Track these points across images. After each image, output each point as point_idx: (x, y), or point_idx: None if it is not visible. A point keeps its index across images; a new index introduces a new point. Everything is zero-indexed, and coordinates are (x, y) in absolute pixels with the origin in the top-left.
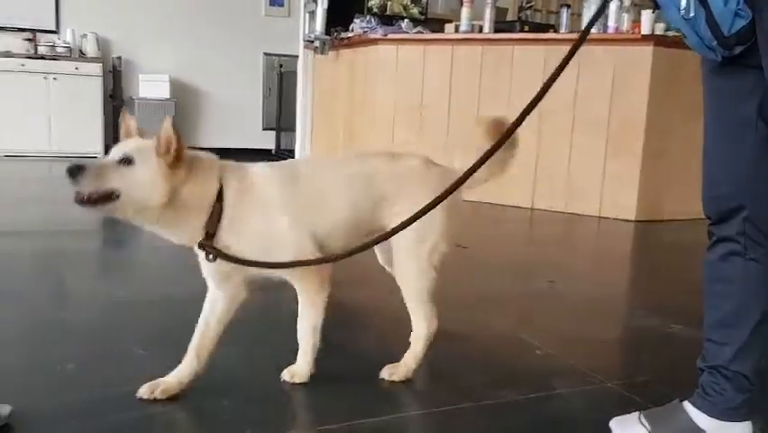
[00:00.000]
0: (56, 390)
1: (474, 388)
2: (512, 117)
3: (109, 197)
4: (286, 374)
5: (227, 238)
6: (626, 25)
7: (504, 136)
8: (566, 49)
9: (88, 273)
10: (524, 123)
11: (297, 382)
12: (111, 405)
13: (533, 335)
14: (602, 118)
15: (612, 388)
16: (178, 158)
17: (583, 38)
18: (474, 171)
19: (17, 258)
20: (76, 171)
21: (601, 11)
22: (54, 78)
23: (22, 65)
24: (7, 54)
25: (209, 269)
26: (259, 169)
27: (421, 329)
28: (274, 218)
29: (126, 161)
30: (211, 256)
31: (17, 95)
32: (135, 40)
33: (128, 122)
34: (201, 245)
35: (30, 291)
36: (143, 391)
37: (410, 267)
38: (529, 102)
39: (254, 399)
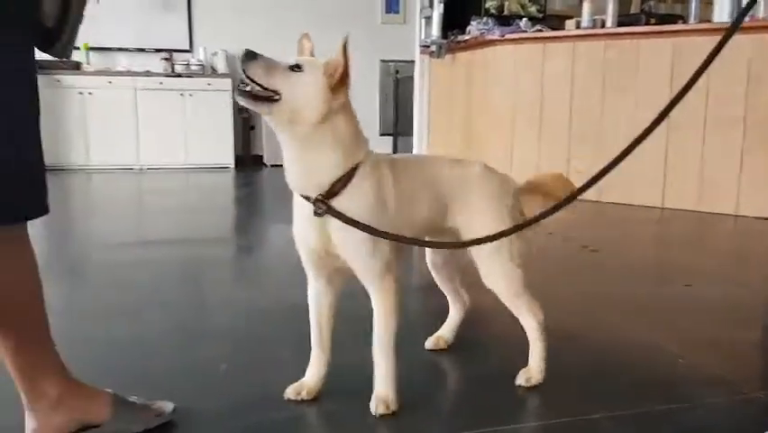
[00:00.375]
0: (210, 391)
1: (609, 396)
2: (641, 114)
3: (271, 97)
4: None
5: (344, 204)
6: (762, 12)
7: (633, 144)
8: (697, 40)
9: (227, 280)
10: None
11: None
12: (262, 406)
13: (670, 340)
14: (738, 111)
15: (760, 398)
16: (341, 83)
17: (733, 30)
18: (579, 195)
19: (163, 265)
20: (251, 55)
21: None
22: (189, 95)
23: (161, 83)
24: (147, 73)
25: (308, 254)
26: (383, 155)
27: (530, 322)
28: (386, 202)
29: (296, 67)
30: (320, 211)
31: (157, 111)
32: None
33: (303, 41)
34: (317, 200)
35: (176, 297)
36: (290, 393)
37: (497, 271)
38: (671, 100)
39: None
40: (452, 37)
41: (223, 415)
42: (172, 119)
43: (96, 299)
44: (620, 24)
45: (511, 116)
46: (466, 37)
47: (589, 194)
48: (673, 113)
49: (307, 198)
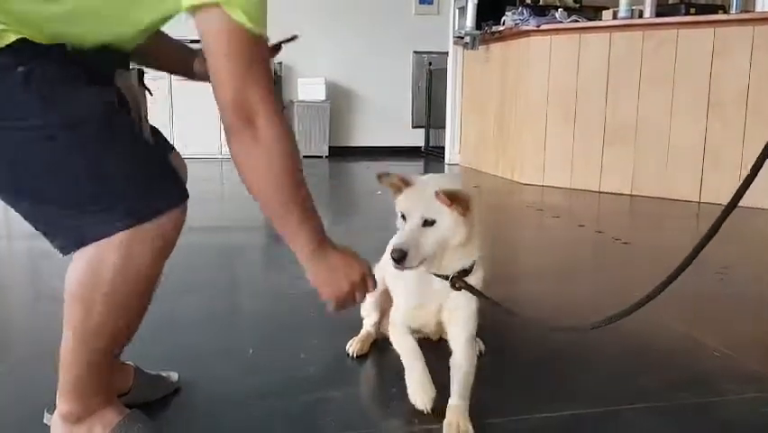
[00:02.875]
0: (238, 373)
1: (649, 388)
2: (678, 107)
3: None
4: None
5: (471, 281)
6: None
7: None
8: (739, 30)
9: (258, 266)
10: (688, 114)
11: None
12: (288, 389)
13: (708, 335)
14: None
15: None
16: (468, 208)
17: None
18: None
19: (199, 252)
20: (402, 258)
21: None
22: None
23: None
24: None
25: (420, 318)
26: None
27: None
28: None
29: (429, 222)
30: (458, 285)
31: (192, 103)
32: (294, 46)
33: (395, 181)
34: (456, 277)
35: (209, 282)
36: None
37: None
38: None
39: None
40: (487, 28)
41: (250, 396)
42: (206, 111)
43: None
44: (659, 14)
45: (545, 109)
46: (501, 28)
47: (622, 187)
48: (712, 107)
49: (445, 277)
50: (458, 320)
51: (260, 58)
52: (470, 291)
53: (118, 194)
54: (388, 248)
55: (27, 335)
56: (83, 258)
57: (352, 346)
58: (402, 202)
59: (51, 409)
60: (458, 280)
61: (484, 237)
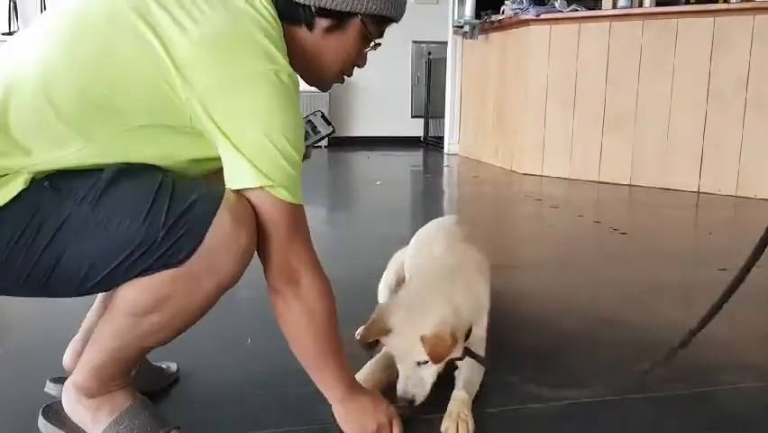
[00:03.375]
0: (240, 361)
1: (647, 378)
2: (678, 97)
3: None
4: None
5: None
6: None
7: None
8: (739, 20)
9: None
10: (688, 104)
11: None
12: (290, 377)
13: (707, 326)
14: None
15: None
16: (453, 347)
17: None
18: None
19: None
20: (412, 402)
21: None
22: None
23: None
24: None
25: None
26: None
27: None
28: None
29: (423, 361)
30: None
31: None
32: None
33: (376, 334)
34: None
35: None
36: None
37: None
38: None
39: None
40: (486, 17)
41: (248, 385)
42: None
43: None
44: (658, 4)
45: (544, 99)
46: (500, 17)
47: (621, 178)
48: (711, 97)
49: None
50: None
51: (301, 222)
52: (475, 359)
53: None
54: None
55: (28, 320)
56: (141, 283)
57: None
58: (392, 349)
59: (54, 379)
60: (472, 354)
61: (480, 290)
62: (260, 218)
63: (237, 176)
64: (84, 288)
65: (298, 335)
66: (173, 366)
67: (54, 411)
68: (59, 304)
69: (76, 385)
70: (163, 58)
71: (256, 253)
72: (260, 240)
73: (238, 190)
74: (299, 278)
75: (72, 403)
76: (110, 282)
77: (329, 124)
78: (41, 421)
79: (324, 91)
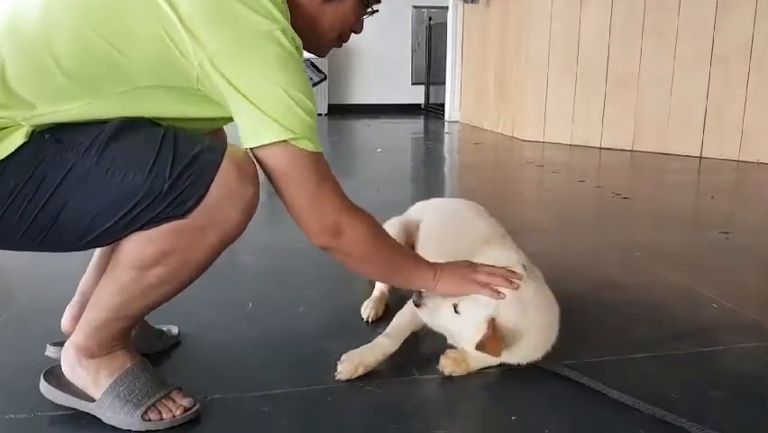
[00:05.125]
0: (241, 325)
1: (648, 339)
2: (679, 58)
3: None
4: None
5: None
6: None
7: None
8: None
9: (257, 221)
10: (693, 66)
11: None
12: (291, 340)
13: (708, 287)
14: None
15: None
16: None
17: None
18: None
19: None
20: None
21: None
22: None
23: None
24: None
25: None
26: None
27: None
28: None
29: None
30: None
31: None
32: None
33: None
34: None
35: None
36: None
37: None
38: None
39: (421, 341)
40: None
41: (249, 348)
42: None
43: None
44: None
45: (546, 64)
46: None
47: (623, 143)
48: (716, 61)
49: None
50: None
51: (326, 170)
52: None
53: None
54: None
55: (27, 285)
56: (144, 236)
57: (367, 311)
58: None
59: (54, 343)
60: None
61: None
62: (285, 176)
63: (259, 133)
64: (83, 241)
65: (369, 269)
66: (174, 329)
67: (55, 375)
68: (57, 268)
69: (76, 346)
70: (170, 16)
71: (290, 216)
72: (290, 199)
73: (255, 148)
74: (341, 229)
75: (72, 365)
76: (112, 235)
77: (320, 71)
78: (43, 385)
79: (321, 57)
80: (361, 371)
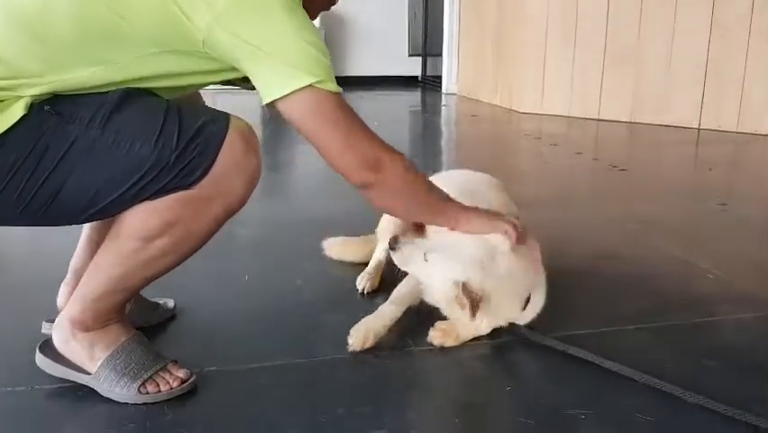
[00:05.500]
0: (237, 298)
1: (643, 310)
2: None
3: None
4: None
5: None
6: None
7: None
8: None
9: (255, 195)
10: (690, 36)
11: None
12: (287, 312)
13: (704, 258)
14: None
15: None
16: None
17: None
18: None
19: None
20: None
21: None
22: None
23: None
24: None
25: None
26: None
27: None
28: None
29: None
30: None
31: None
32: None
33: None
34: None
35: None
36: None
37: None
38: None
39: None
40: None
41: (245, 321)
42: None
43: None
44: None
45: (544, 35)
46: None
47: (621, 115)
48: (715, 29)
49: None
50: None
51: (351, 109)
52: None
53: None
54: None
55: (22, 265)
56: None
57: (363, 282)
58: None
59: (50, 320)
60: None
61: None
62: (316, 120)
63: (283, 82)
64: (86, 214)
65: (410, 206)
66: (170, 302)
67: (51, 348)
68: (50, 244)
69: (71, 319)
70: None
71: (326, 164)
72: (325, 142)
73: (279, 99)
74: (380, 161)
75: (65, 339)
76: (116, 207)
77: None
78: (39, 357)
79: (311, 20)
80: (371, 339)
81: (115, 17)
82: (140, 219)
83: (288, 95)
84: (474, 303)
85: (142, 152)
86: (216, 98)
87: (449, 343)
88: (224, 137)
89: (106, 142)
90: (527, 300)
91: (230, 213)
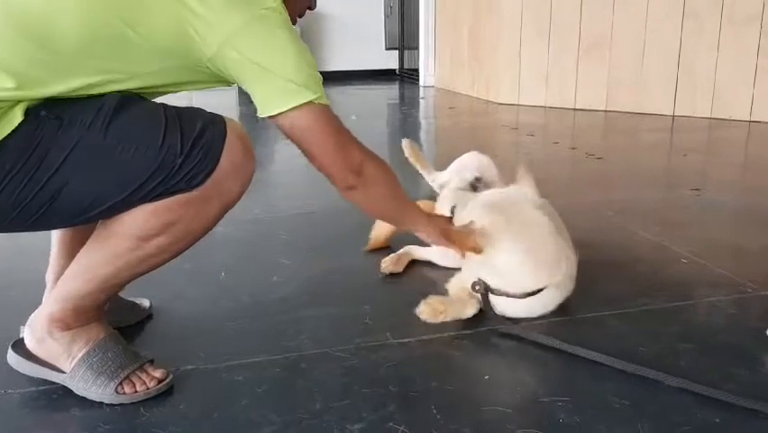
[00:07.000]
0: (213, 296)
1: (619, 295)
2: (651, 17)
3: None
4: None
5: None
6: None
7: None
8: None
9: None
10: (664, 21)
11: None
12: (264, 309)
13: (678, 243)
14: (755, 11)
15: (765, 296)
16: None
17: None
18: None
19: None
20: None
21: None
22: None
23: None
24: None
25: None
26: None
27: None
28: None
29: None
30: None
31: None
32: None
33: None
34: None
35: None
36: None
37: None
38: None
39: (394, 306)
40: None
41: (222, 319)
42: None
43: None
44: None
45: (519, 26)
46: None
47: (596, 103)
48: (687, 16)
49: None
50: None
51: (338, 119)
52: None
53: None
54: None
55: (3, 264)
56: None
57: (387, 263)
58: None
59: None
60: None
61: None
62: (311, 132)
63: (284, 98)
64: (85, 216)
65: (383, 210)
66: (146, 302)
67: (24, 348)
68: (25, 245)
69: (50, 317)
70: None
71: (316, 168)
72: (318, 150)
73: (279, 114)
74: (363, 166)
75: (40, 338)
76: (118, 209)
77: None
78: (12, 356)
79: (292, 24)
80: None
81: (125, 28)
82: (140, 219)
83: (288, 110)
84: (485, 298)
85: (148, 155)
86: (192, 95)
87: (431, 320)
88: (224, 139)
89: (109, 145)
90: None
91: (226, 211)
